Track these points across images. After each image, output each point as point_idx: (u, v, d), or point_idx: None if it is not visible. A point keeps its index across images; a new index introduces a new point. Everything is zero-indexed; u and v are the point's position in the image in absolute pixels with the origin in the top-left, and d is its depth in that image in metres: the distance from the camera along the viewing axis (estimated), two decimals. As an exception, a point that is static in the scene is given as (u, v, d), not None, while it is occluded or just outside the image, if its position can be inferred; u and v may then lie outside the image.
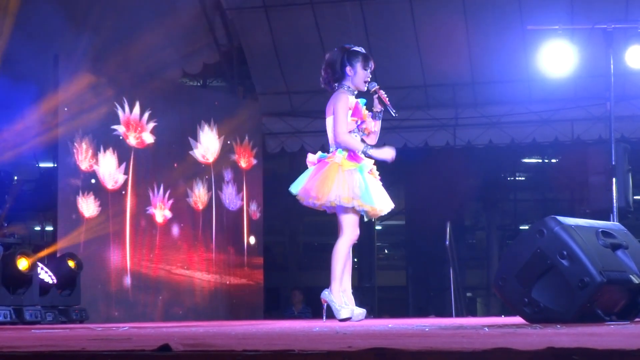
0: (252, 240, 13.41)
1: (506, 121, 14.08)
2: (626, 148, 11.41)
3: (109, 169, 11.37)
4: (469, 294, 20.46)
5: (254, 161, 13.61)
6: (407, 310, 17.51)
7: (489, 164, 17.43)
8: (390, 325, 5.73)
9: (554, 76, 11.59)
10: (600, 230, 5.79)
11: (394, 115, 7.02)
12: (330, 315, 6.93)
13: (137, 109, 11.71)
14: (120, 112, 11.53)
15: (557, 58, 11.02)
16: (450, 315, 12.45)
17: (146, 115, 11.80)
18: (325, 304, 6.91)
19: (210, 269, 12.63)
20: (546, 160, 18.83)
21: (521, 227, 18.21)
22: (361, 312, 6.89)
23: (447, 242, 12.64)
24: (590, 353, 2.40)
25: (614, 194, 9.77)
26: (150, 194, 11.88)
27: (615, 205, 9.74)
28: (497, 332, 3.91)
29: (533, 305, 5.57)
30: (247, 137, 13.52)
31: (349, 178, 6.70)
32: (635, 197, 14.64)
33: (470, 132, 14.22)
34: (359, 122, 6.90)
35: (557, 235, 5.49)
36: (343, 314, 6.76)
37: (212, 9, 13.99)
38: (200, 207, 12.54)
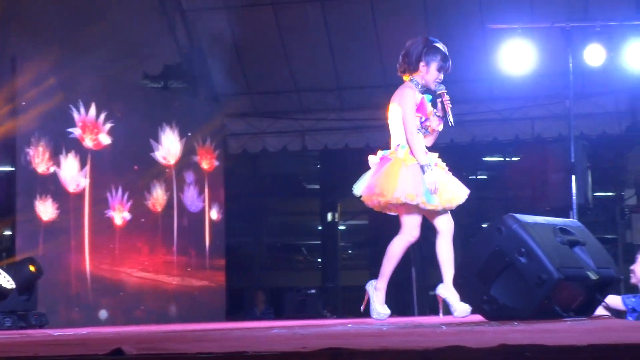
0: (214, 215, 13.31)
1: (467, 120, 14.09)
2: (585, 145, 11.52)
3: (71, 172, 11.29)
4: (432, 293, 20.50)
5: (216, 162, 13.56)
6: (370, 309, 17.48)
7: (450, 162, 17.40)
8: (349, 325, 5.72)
9: (515, 75, 11.65)
10: (558, 227, 5.80)
11: (450, 124, 6.69)
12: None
13: (92, 110, 11.62)
14: (75, 114, 11.44)
15: (517, 57, 11.09)
16: (412, 314, 12.46)
17: (102, 116, 11.72)
18: (367, 297, 6.73)
19: (171, 271, 12.57)
20: (507, 159, 18.89)
21: (483, 225, 18.26)
22: (466, 308, 6.40)
23: (409, 241, 12.61)
24: (541, 349, 2.40)
25: (574, 191, 9.82)
26: (109, 197, 11.80)
27: (574, 202, 9.79)
28: (453, 330, 3.91)
29: (492, 302, 5.58)
30: (208, 139, 13.47)
31: (412, 174, 6.36)
32: (595, 194, 14.78)
33: (432, 131, 14.23)
34: (422, 119, 6.58)
35: (515, 233, 5.50)
36: (376, 315, 6.61)
37: (172, 9, 13.92)
38: (159, 208, 12.47)
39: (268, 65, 14.26)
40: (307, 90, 14.47)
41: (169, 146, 12.77)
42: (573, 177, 9.83)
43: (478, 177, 19.90)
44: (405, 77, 6.63)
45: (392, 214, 6.65)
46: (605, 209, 15.86)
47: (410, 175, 6.37)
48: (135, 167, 12.22)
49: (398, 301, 17.42)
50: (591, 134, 13.71)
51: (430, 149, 6.65)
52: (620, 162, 14.78)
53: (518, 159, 18.04)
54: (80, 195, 11.37)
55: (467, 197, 6.70)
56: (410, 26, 13.52)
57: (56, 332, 6.09)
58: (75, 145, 11.39)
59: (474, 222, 19.07)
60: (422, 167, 6.40)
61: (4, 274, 9.49)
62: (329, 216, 19.12)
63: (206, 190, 13.30)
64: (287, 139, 14.83)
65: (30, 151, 10.85)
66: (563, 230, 5.82)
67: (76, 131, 11.44)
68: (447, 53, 6.67)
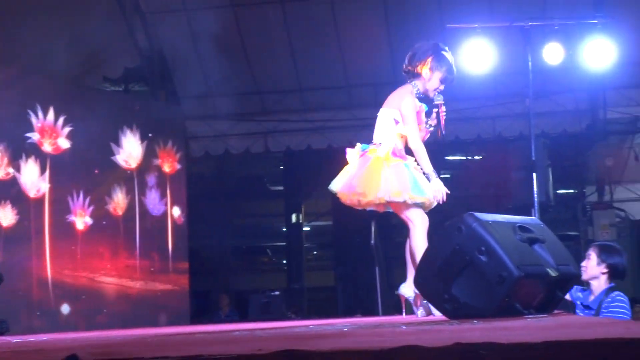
0: (177, 218, 13.26)
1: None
2: (546, 143, 11.59)
3: (31, 178, 11.20)
4: (396, 292, 20.52)
5: (178, 165, 13.51)
6: (336, 310, 17.52)
7: (413, 162, 17.49)
8: (311, 327, 5.71)
9: (475, 74, 11.69)
10: (518, 225, 5.82)
11: (441, 136, 6.70)
12: (410, 311, 6.75)
13: (51, 114, 11.54)
14: (33, 118, 11.35)
15: (477, 56, 11.14)
16: (377, 314, 12.47)
17: (61, 120, 11.63)
18: (404, 299, 6.72)
19: (134, 275, 12.51)
20: (470, 158, 18.98)
21: (446, 224, 18.30)
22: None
23: (373, 242, 12.66)
24: (495, 347, 2.41)
25: (535, 189, 9.87)
26: (70, 201, 11.72)
27: (536, 199, 9.83)
28: (412, 329, 3.91)
29: (453, 301, 5.59)
30: (170, 142, 13.41)
31: (395, 172, 6.37)
32: (557, 192, 14.87)
33: (394, 131, 14.27)
34: None
35: (475, 231, 5.51)
36: (421, 313, 6.53)
37: (132, 12, 13.85)
38: (120, 212, 12.40)
39: (229, 67, 14.22)
40: (269, 92, 14.47)
41: (130, 149, 12.70)
42: (534, 175, 9.87)
43: (441, 176, 19.96)
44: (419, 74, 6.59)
45: (370, 209, 6.63)
46: (567, 206, 15.94)
47: (393, 173, 6.37)
48: (96, 171, 12.14)
49: (362, 301, 17.47)
50: (552, 132, 13.80)
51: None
52: (581, 160, 14.88)
53: (480, 157, 18.14)
54: (40, 201, 11.29)
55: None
56: (371, 27, 13.57)
57: (15, 339, 6.03)
58: (35, 150, 11.31)
59: (438, 221, 19.06)
60: (427, 175, 6.47)
61: (-37, 281, 9.39)
62: (294, 217, 19.12)
63: (168, 193, 13.24)
64: (250, 141, 14.82)
65: (-12, 156, 10.76)
66: (522, 228, 5.84)
67: (35, 136, 11.35)
68: (454, 64, 6.66)
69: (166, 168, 13.29)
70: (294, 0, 13.66)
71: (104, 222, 12.14)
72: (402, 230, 22.10)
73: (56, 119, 11.58)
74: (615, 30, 11.89)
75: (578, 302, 7.17)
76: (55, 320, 11.25)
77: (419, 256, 6.49)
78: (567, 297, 7.26)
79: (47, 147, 11.48)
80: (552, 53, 10.96)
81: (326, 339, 3.30)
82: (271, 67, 14.19)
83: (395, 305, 18.39)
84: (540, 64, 10.94)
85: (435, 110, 6.63)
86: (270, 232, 23.79)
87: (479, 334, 3.00)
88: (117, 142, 12.50)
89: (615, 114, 13.88)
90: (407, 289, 6.64)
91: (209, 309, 16.85)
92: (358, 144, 6.59)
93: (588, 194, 14.61)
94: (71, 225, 11.71)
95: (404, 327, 4.27)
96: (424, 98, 6.66)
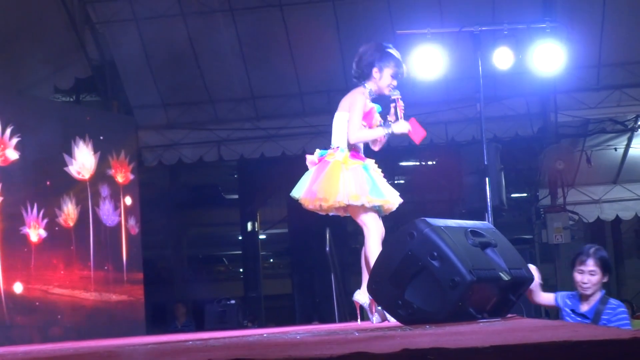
0: (131, 228, 13.20)
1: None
2: (498, 147, 11.64)
3: (-19, 191, 11.09)
4: (353, 299, 20.54)
5: (131, 176, 13.43)
6: (293, 318, 17.51)
7: (367, 168, 17.54)
8: (265, 335, 5.69)
9: (426, 79, 11.74)
10: (469, 229, 5.85)
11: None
12: (365, 317, 6.72)
13: (-3, 125, 11.43)
14: (-20, 130, 11.24)
15: (428, 62, 11.18)
16: (333, 321, 12.48)
17: (8, 131, 11.51)
18: (359, 306, 6.69)
19: (88, 286, 12.41)
20: (423, 163, 19.07)
21: (400, 229, 18.37)
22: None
23: (328, 249, 12.66)
24: (444, 352, 2.41)
25: (488, 193, 9.92)
26: (24, 213, 11.62)
27: (489, 203, 9.88)
28: (363, 336, 3.92)
29: (407, 307, 5.60)
30: (123, 152, 13.34)
31: (354, 175, 6.35)
32: (510, 195, 14.98)
33: (347, 137, 14.29)
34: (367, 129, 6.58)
35: (427, 236, 5.53)
36: (376, 319, 6.49)
37: (81, 22, 13.76)
38: (71, 223, 12.29)
39: (181, 77, 14.20)
40: (221, 101, 14.44)
41: (83, 160, 12.61)
42: (487, 180, 9.92)
43: (395, 182, 20.05)
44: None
45: (337, 214, 6.64)
46: (521, 210, 16.07)
47: (351, 176, 6.37)
48: (48, 183, 12.04)
49: (319, 308, 17.49)
50: (504, 136, 13.91)
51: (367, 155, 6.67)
52: (534, 163, 14.99)
53: (433, 163, 18.23)
54: (-8, 213, 11.17)
55: (398, 205, 6.70)
56: (322, 34, 13.59)
57: (-33, 354, 5.96)
58: (-18, 163, 11.20)
59: (393, 226, 19.16)
60: (386, 134, 6.52)
61: None
62: (249, 226, 19.12)
63: (122, 203, 13.16)
64: (203, 150, 14.78)
65: None
66: (474, 232, 5.87)
67: (-18, 148, 11.25)
68: (401, 59, 6.66)
69: (119, 178, 13.21)
70: (244, 8, 13.64)
71: (57, 234, 12.04)
72: (357, 236, 22.26)
73: (3, 130, 11.46)
74: (564, 34, 12.00)
75: (567, 309, 7.11)
76: (8, 333, 11.13)
77: (373, 262, 6.50)
78: (552, 302, 7.26)
79: (-5, 159, 11.37)
80: (502, 58, 11.03)
81: (277, 347, 3.29)
82: (223, 75, 14.17)
83: (352, 311, 18.39)
84: (490, 68, 11.01)
85: (392, 105, 6.61)
86: (226, 240, 23.79)
87: (429, 340, 3.01)
88: (70, 153, 12.41)
89: (567, 117, 14.01)
90: (362, 296, 6.65)
91: (165, 319, 16.79)
92: (317, 150, 6.60)
93: (541, 197, 14.72)
94: (24, 237, 11.59)
95: (357, 334, 4.27)
96: (378, 98, 6.67)
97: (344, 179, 6.36)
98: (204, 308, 15.03)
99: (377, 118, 6.65)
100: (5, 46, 11.93)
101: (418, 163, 19.18)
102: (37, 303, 11.66)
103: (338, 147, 6.50)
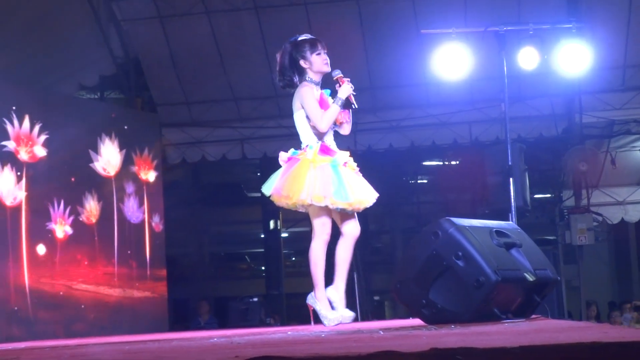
0: (155, 225, 13.23)
1: (405, 125, 14.21)
2: (522, 148, 11.60)
3: (7, 186, 11.15)
4: (376, 298, 20.58)
5: (155, 173, 13.48)
6: (315, 316, 17.49)
7: (390, 168, 17.55)
8: (289, 333, 5.71)
9: (451, 79, 11.72)
10: (494, 230, 5.85)
11: (354, 107, 6.62)
12: (318, 320, 6.72)
13: (26, 122, 11.49)
14: (9, 127, 11.30)
15: (452, 61, 11.15)
16: (356, 320, 12.48)
17: (36, 128, 11.58)
18: (312, 309, 6.69)
19: (112, 282, 12.47)
20: (446, 163, 19.02)
21: (423, 229, 18.35)
22: (351, 315, 6.56)
23: (351, 248, 12.64)
24: (472, 352, 2.41)
25: (512, 193, 9.88)
26: (50, 209, 11.68)
27: (513, 204, 9.85)
28: (390, 335, 3.92)
29: (431, 306, 5.60)
30: (146, 149, 13.38)
31: (320, 175, 6.32)
32: (534, 196, 14.93)
33: (371, 136, 14.31)
34: None
35: (452, 236, 5.53)
36: (329, 322, 6.43)
37: (106, 20, 13.81)
38: (93, 220, 12.34)
39: (205, 75, 14.22)
40: (245, 99, 14.45)
41: (108, 157, 12.67)
42: (511, 180, 9.88)
43: (418, 181, 20.05)
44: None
45: (302, 211, 6.61)
46: (544, 211, 15.99)
47: (318, 176, 6.33)
48: (72, 179, 12.10)
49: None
50: (528, 136, 13.86)
51: (343, 148, 6.64)
52: (558, 164, 14.92)
53: (457, 162, 18.17)
54: (18, 209, 11.24)
55: (375, 200, 6.57)
56: (346, 33, 13.57)
57: (-7, 348, 6.01)
58: (11, 159, 11.25)
59: (415, 226, 19.19)
60: (340, 104, 6.44)
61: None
62: (272, 224, 19.10)
63: (145, 201, 13.21)
64: (226, 148, 14.81)
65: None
66: (499, 232, 5.87)
67: (10, 144, 11.30)
68: (311, 35, 6.67)
69: (143, 176, 13.26)
70: (268, 7, 13.66)
71: (82, 230, 12.10)
72: (379, 235, 22.19)
73: (32, 127, 11.53)
74: (590, 34, 11.96)
75: None
76: (33, 329, 11.20)
77: (314, 267, 6.49)
78: None
79: (23, 156, 11.43)
80: (527, 58, 11.00)
81: (304, 345, 3.30)
82: (247, 74, 14.17)
83: (374, 310, 18.42)
84: (515, 68, 10.98)
85: (337, 86, 6.57)
86: (248, 238, 23.79)
87: (456, 339, 3.01)
88: (96, 150, 12.46)
89: (591, 118, 13.95)
90: (313, 299, 6.61)
91: (188, 316, 16.83)
92: (291, 149, 6.59)
93: (565, 198, 14.66)
94: (50, 233, 11.66)
95: (382, 333, 4.28)
96: (323, 86, 6.65)
97: (309, 178, 6.33)
98: (226, 305, 15.07)
99: (331, 101, 6.60)
100: (31, 43, 11.99)
101: (441, 163, 19.14)
102: (61, 299, 11.72)
103: (307, 145, 6.49)
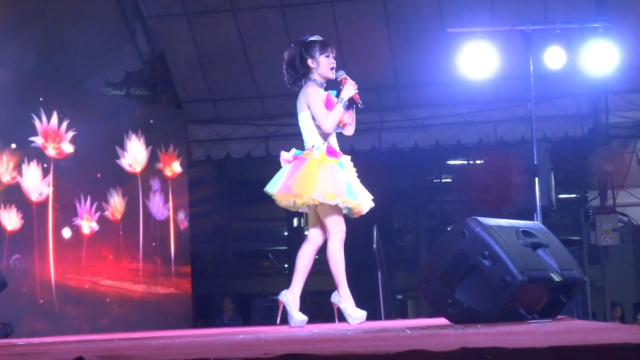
0: (180, 222, 13.27)
1: (430, 124, 14.18)
2: (548, 148, 11.57)
3: (34, 181, 11.22)
4: (399, 297, 20.54)
5: (179, 169, 13.52)
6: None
7: (415, 166, 17.52)
8: (315, 331, 5.72)
9: (476, 78, 11.69)
10: (521, 229, 5.83)
11: (359, 107, 6.68)
12: (342, 318, 6.77)
13: (54, 119, 11.56)
14: (37, 122, 11.38)
15: (478, 60, 11.12)
16: (379, 319, 12.47)
17: (64, 124, 11.66)
18: (336, 307, 6.74)
19: (137, 278, 12.52)
20: (471, 162, 18.96)
21: (449, 228, 18.32)
22: (304, 319, 6.75)
23: (375, 246, 12.65)
24: (501, 352, 2.41)
25: (537, 193, 9.85)
26: (77, 205, 11.75)
27: (538, 204, 9.82)
28: (417, 334, 3.92)
29: (457, 306, 5.59)
30: (172, 146, 13.43)
31: (331, 174, 6.36)
32: (559, 196, 14.86)
33: (395, 135, 14.30)
34: None
35: (478, 235, 5.52)
36: (354, 320, 6.55)
37: (133, 16, 13.87)
38: (118, 216, 12.40)
39: (230, 72, 14.23)
40: (270, 96, 14.45)
41: (135, 154, 12.73)
42: (536, 180, 9.86)
43: (442, 180, 19.99)
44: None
45: (305, 211, 6.64)
46: (569, 211, 15.93)
47: (328, 176, 6.37)
48: (98, 175, 12.15)
49: (364, 306, 17.46)
50: (554, 136, 13.80)
51: (351, 152, 6.69)
52: (583, 164, 14.85)
53: (482, 162, 18.11)
54: (44, 204, 11.32)
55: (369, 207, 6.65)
56: (372, 31, 13.58)
57: (20, 342, 6.04)
58: (38, 154, 11.33)
59: (439, 225, 19.16)
60: (343, 105, 6.48)
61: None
62: (295, 221, 19.12)
63: (170, 197, 13.26)
64: (251, 145, 14.83)
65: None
66: (526, 232, 5.85)
67: (38, 140, 11.37)
68: (321, 38, 6.70)
69: (167, 172, 13.31)
70: (294, 4, 13.66)
71: (108, 226, 12.15)
72: (403, 234, 22.12)
73: (60, 123, 11.60)
74: (617, 34, 11.89)
75: None
76: (58, 323, 11.27)
77: (336, 267, 6.55)
78: None
79: (50, 152, 11.50)
80: (554, 57, 10.95)
81: (331, 343, 3.31)
82: (272, 71, 14.14)
83: (398, 309, 18.36)
84: (541, 67, 10.94)
85: (341, 87, 6.59)
86: (272, 236, 23.80)
87: (485, 339, 3.01)
88: (122, 146, 12.52)
89: (618, 118, 13.88)
90: (338, 297, 6.65)
91: (211, 313, 16.86)
92: (293, 149, 6.61)
93: (590, 198, 14.59)
94: (76, 229, 11.72)
95: (408, 332, 4.28)
96: (328, 87, 6.67)
97: (321, 177, 6.36)
98: (250, 302, 15.08)
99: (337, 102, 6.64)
100: (57, 39, 12.05)
101: (466, 162, 19.08)
102: (86, 294, 11.78)
103: (313, 145, 6.50)
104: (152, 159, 13.00)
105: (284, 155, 6.62)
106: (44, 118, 11.45)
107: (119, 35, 13.70)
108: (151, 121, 13.09)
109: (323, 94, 6.58)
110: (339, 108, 6.49)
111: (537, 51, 10.50)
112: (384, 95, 14.14)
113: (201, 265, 17.01)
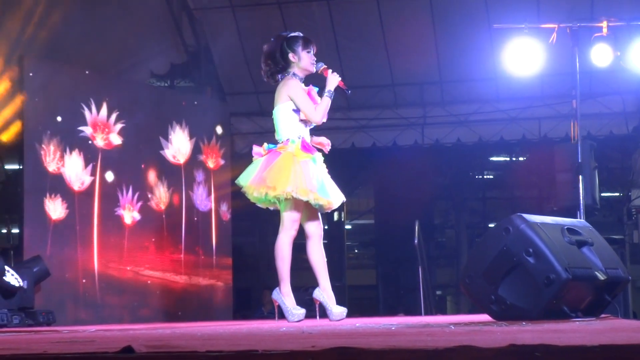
0: (222, 214, 13.34)
1: (474, 120, 14.12)
2: (592, 146, 11.49)
3: (76, 170, 11.31)
4: (438, 293, 20.51)
5: (222, 161, 13.57)
6: (377, 309, 17.51)
7: (457, 162, 17.50)
8: (357, 325, 5.73)
9: (521, 74, 11.63)
10: (566, 227, 5.81)
11: (348, 94, 6.89)
12: (282, 316, 6.81)
13: (104, 110, 11.65)
14: (87, 113, 11.47)
15: (523, 56, 11.06)
16: (419, 314, 12.46)
17: (113, 116, 11.75)
18: (277, 305, 6.77)
19: (178, 269, 12.59)
20: (514, 159, 18.91)
21: (490, 225, 18.29)
22: (341, 310, 6.74)
23: (416, 241, 12.64)
24: (551, 349, 2.41)
25: (581, 191, 9.81)
26: (119, 195, 11.83)
27: (582, 202, 9.77)
28: (462, 330, 3.92)
29: (500, 302, 5.59)
30: (214, 138, 13.48)
31: (305, 170, 6.44)
32: (602, 195, 14.76)
33: (438, 130, 14.25)
34: None
35: (523, 232, 5.51)
36: (293, 317, 6.59)
37: (179, 8, 13.93)
38: (162, 207, 12.46)
39: (274, 65, 14.24)
40: (313, 89, 14.47)
41: (178, 145, 12.79)
42: (580, 178, 9.81)
43: (485, 177, 19.94)
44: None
45: (269, 207, 6.72)
46: (612, 210, 15.84)
47: (302, 171, 6.43)
48: (142, 166, 12.24)
49: (404, 301, 17.47)
50: (598, 134, 13.70)
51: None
52: (627, 163, 14.75)
53: (524, 159, 18.05)
54: (88, 194, 11.40)
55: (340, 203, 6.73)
56: (417, 26, 13.55)
57: (64, 330, 6.11)
58: (84, 144, 11.42)
59: (481, 222, 19.12)
60: (330, 96, 6.64)
61: (12, 271, 9.52)
62: (335, 216, 19.14)
63: (213, 189, 13.31)
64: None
65: (42, 150, 10.88)
66: (571, 230, 5.83)
67: (87, 130, 11.47)
68: (302, 34, 6.81)
69: (210, 164, 13.36)
70: (341, -2, 13.69)
71: (149, 216, 12.23)
72: (443, 230, 22.05)
73: (109, 115, 11.70)
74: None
75: None
76: (100, 313, 11.37)
77: (281, 262, 6.67)
78: None
79: (99, 142, 11.59)
80: (600, 54, 10.87)
81: (377, 337, 3.31)
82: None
83: (437, 305, 18.33)
84: (586, 65, 10.86)
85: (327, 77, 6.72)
86: (311, 229, 23.84)
87: (532, 336, 3.01)
88: (166, 137, 12.59)
89: (663, 117, 13.76)
90: (278, 294, 6.67)
91: (250, 305, 16.92)
92: (265, 143, 6.64)
93: (633, 197, 14.47)
94: (119, 219, 11.81)
95: (453, 327, 4.28)
96: (308, 82, 6.75)
97: (295, 172, 6.41)
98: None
99: (318, 98, 6.72)
100: (107, 30, 12.13)
101: (509, 159, 19.04)
102: (128, 284, 11.87)
103: (288, 139, 6.52)
104: (196, 150, 13.06)
105: (257, 149, 6.70)
106: (93, 108, 11.54)
107: (165, 27, 13.76)
108: (195, 114, 13.14)
109: (304, 87, 6.69)
110: (327, 100, 6.64)
111: (584, 48, 10.43)
112: (427, 90, 14.12)
113: (241, 257, 17.06)
